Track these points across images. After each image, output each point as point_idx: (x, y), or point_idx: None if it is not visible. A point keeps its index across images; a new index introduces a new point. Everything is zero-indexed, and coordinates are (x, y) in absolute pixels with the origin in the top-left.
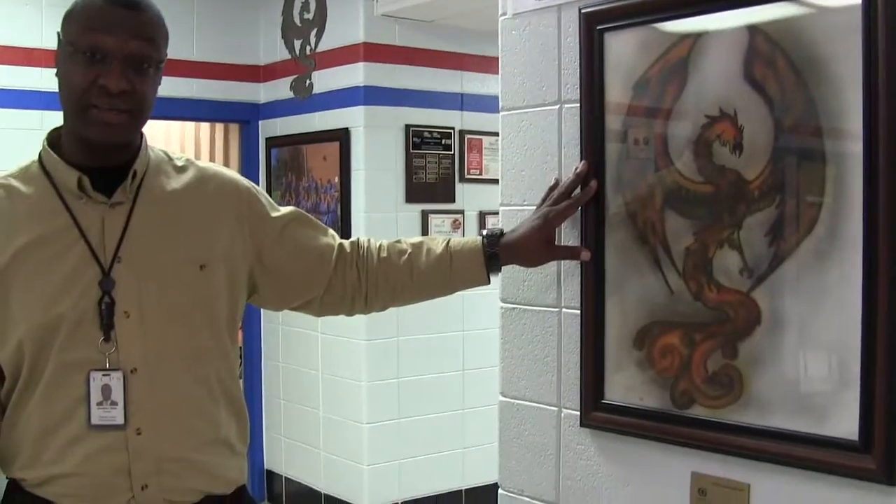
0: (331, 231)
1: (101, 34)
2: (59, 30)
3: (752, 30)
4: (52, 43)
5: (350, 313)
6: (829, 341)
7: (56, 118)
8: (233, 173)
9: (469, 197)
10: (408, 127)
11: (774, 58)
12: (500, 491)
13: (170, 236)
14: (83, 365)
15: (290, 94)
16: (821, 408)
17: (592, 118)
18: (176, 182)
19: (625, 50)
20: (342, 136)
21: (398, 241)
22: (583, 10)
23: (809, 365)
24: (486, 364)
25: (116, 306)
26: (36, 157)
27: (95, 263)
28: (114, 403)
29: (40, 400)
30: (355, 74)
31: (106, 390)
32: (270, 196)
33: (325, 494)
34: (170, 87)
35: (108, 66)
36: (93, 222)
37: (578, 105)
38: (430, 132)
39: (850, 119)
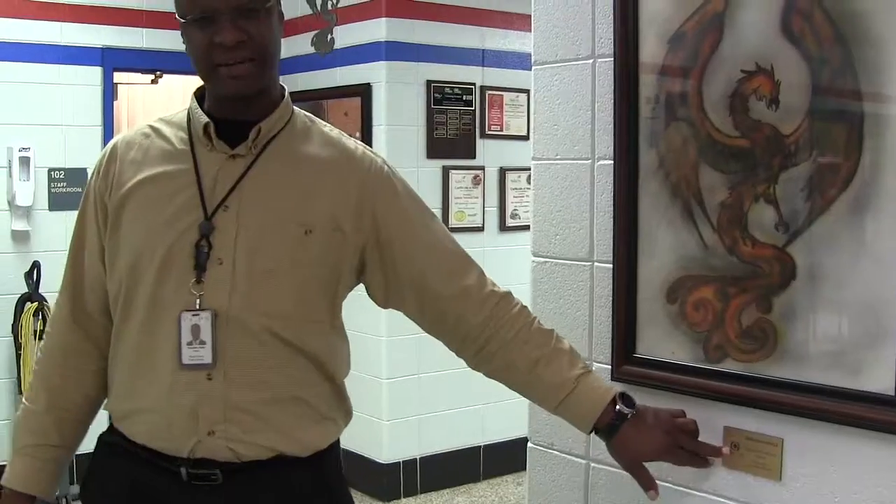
0: (474, 269)
1: None
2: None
3: None
4: None
5: (458, 354)
6: (864, 295)
7: (78, 73)
8: (374, 155)
9: (489, 153)
10: (429, 83)
11: (812, 11)
12: (529, 444)
13: (282, 196)
14: (175, 304)
15: (312, 50)
16: (856, 362)
17: (626, 73)
18: (309, 148)
19: (659, 4)
20: (363, 92)
21: (549, 332)
22: None
23: (844, 319)
24: None
25: (212, 251)
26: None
27: (201, 207)
28: (202, 343)
29: (134, 334)
30: (377, 29)
31: (195, 330)
32: None
33: (344, 450)
34: None
35: (218, 24)
36: (209, 169)
37: (612, 60)
38: (452, 88)
39: (889, 74)
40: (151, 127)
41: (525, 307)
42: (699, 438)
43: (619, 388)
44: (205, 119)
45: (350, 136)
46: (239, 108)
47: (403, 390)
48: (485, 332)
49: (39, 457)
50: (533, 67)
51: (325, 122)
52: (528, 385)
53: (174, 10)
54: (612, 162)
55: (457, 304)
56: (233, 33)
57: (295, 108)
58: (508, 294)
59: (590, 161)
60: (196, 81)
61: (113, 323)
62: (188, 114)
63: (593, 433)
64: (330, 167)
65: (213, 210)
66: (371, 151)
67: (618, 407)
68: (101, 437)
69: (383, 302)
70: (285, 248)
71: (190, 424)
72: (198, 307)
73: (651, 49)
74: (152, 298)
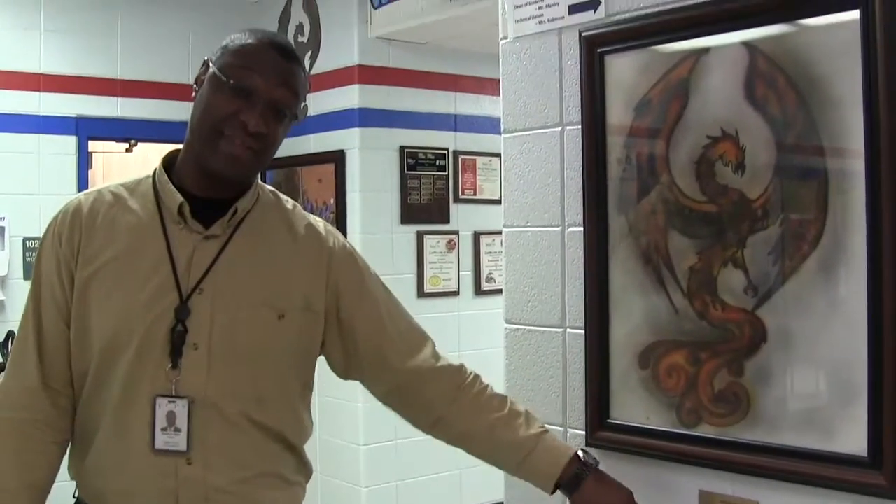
0: (429, 343)
1: (254, 73)
2: (208, 57)
3: (752, 50)
4: (50, 68)
5: (414, 424)
6: (835, 357)
7: (53, 142)
8: (335, 232)
9: (463, 217)
10: (402, 148)
11: (775, 77)
12: None
13: (255, 279)
14: (150, 388)
15: None
16: (828, 424)
17: (594, 140)
18: (278, 227)
19: (625, 72)
20: (337, 158)
21: (503, 397)
22: (583, 34)
23: (816, 381)
24: None
25: (188, 336)
26: (151, 173)
27: (175, 290)
28: (177, 430)
29: (106, 413)
30: (350, 96)
31: (171, 416)
32: None
33: None
34: (167, 109)
35: (252, 105)
36: (183, 250)
37: (580, 127)
38: (425, 153)
39: (851, 137)
40: (114, 194)
41: (478, 375)
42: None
43: (593, 453)
44: (179, 198)
45: (324, 202)
46: (218, 187)
47: (381, 456)
48: (441, 403)
49: None
50: (502, 135)
51: (286, 197)
52: (489, 449)
53: (148, 79)
54: (581, 228)
55: (414, 378)
56: (259, 123)
57: (258, 181)
58: (462, 366)
59: (560, 228)
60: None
61: (73, 392)
62: (154, 184)
63: (557, 491)
64: (300, 248)
65: (187, 293)
66: (332, 228)
67: (582, 457)
68: None
69: (343, 373)
70: (260, 333)
71: None
72: (174, 393)
73: (618, 116)
74: (126, 381)
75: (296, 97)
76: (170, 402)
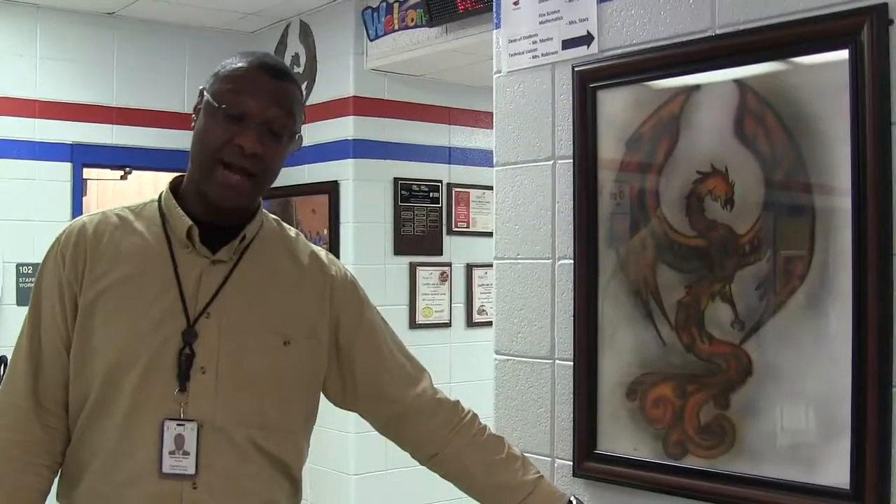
0: (426, 376)
1: (245, 96)
2: (202, 85)
3: (743, 88)
4: (46, 95)
5: (412, 456)
6: (819, 391)
7: (48, 169)
8: (337, 262)
9: (456, 249)
10: (396, 180)
11: (764, 115)
12: None
13: (262, 304)
14: (157, 411)
15: None
16: (812, 457)
17: (586, 174)
18: (284, 254)
19: (617, 107)
20: (331, 189)
21: (501, 439)
22: (576, 69)
23: (801, 414)
24: None
25: (195, 360)
26: (157, 196)
27: (183, 314)
28: (186, 453)
29: (110, 437)
30: (345, 127)
31: (179, 440)
32: None
33: None
34: (162, 138)
35: (246, 128)
36: (191, 274)
37: (572, 161)
38: (419, 185)
39: (838, 174)
40: (119, 217)
41: (476, 415)
42: None
43: (581, 484)
44: (188, 222)
45: (318, 233)
46: (224, 214)
47: (372, 485)
48: (439, 438)
49: None
50: (494, 168)
51: (289, 226)
52: (484, 489)
53: (144, 107)
54: (571, 261)
55: (411, 411)
56: (255, 144)
57: (263, 208)
58: (458, 402)
59: (550, 260)
60: (166, 178)
61: (68, 416)
62: (160, 209)
63: None
64: (304, 277)
65: (195, 317)
66: (334, 258)
67: None
68: None
69: (340, 402)
70: (266, 358)
71: None
72: (182, 417)
73: (609, 151)
74: (133, 404)
75: (291, 115)
76: (178, 425)
